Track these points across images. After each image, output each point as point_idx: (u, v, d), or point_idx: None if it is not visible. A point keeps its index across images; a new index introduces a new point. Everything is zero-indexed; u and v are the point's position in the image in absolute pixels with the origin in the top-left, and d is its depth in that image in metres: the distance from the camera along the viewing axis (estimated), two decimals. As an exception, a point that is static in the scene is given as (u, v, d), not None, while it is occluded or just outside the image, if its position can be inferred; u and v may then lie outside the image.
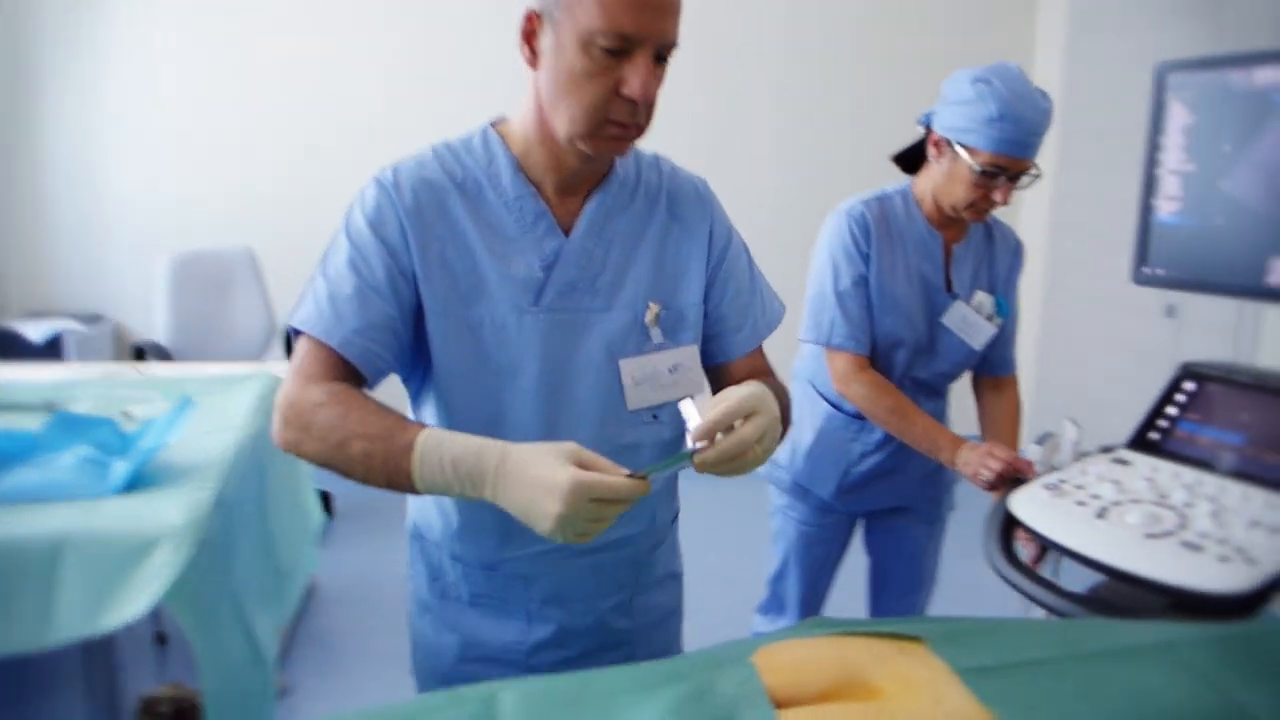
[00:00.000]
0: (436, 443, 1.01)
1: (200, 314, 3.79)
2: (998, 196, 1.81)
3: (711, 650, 0.85)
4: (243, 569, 1.39)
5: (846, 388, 1.98)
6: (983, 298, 2.02)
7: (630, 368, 1.26)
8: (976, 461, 1.77)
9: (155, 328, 3.84)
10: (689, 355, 1.30)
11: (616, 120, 1.11)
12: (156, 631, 2.82)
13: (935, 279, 1.99)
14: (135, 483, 1.56)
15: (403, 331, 1.18)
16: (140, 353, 3.71)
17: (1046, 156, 4.66)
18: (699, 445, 1.02)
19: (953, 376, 2.11)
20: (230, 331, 3.76)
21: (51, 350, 4.03)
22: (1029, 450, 1.67)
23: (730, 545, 3.79)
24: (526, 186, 1.22)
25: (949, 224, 1.99)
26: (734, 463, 1.04)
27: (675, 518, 1.43)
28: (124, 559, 1.32)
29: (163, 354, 3.67)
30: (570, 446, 0.97)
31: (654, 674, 0.79)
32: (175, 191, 4.45)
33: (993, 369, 2.15)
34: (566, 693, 0.79)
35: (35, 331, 4.06)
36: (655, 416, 1.29)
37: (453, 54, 4.49)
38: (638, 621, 1.35)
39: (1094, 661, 0.73)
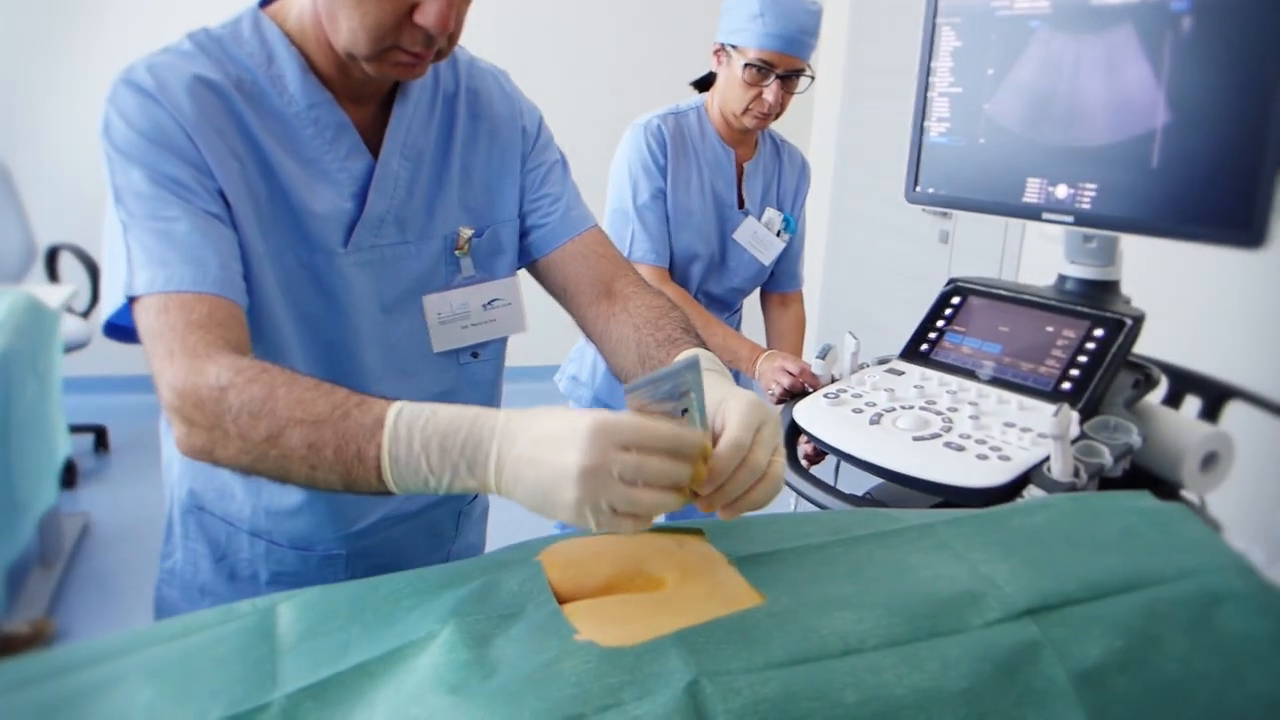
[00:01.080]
0: (416, 415, 0.76)
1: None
2: (769, 96, 1.89)
3: (497, 552, 0.85)
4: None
5: None
6: (772, 214, 2.10)
7: (436, 304, 1.10)
8: (770, 374, 1.84)
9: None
10: (508, 289, 1.16)
11: (407, 50, 0.93)
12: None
13: (728, 195, 2.05)
14: None
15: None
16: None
17: (834, 86, 4.82)
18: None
19: (745, 292, 2.18)
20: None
21: None
22: (813, 365, 1.75)
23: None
24: (322, 92, 0.99)
25: (739, 141, 2.06)
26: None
27: None
28: None
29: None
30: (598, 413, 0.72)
31: (439, 577, 0.78)
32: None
33: (780, 285, 2.24)
34: (347, 600, 0.77)
35: None
36: (475, 355, 1.16)
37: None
38: None
39: (859, 544, 0.78)
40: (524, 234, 1.19)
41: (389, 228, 1.06)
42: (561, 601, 0.72)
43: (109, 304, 0.94)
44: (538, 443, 0.72)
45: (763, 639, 0.65)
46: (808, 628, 0.66)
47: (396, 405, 0.77)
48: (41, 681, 0.73)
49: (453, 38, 0.96)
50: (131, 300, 0.90)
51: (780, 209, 2.13)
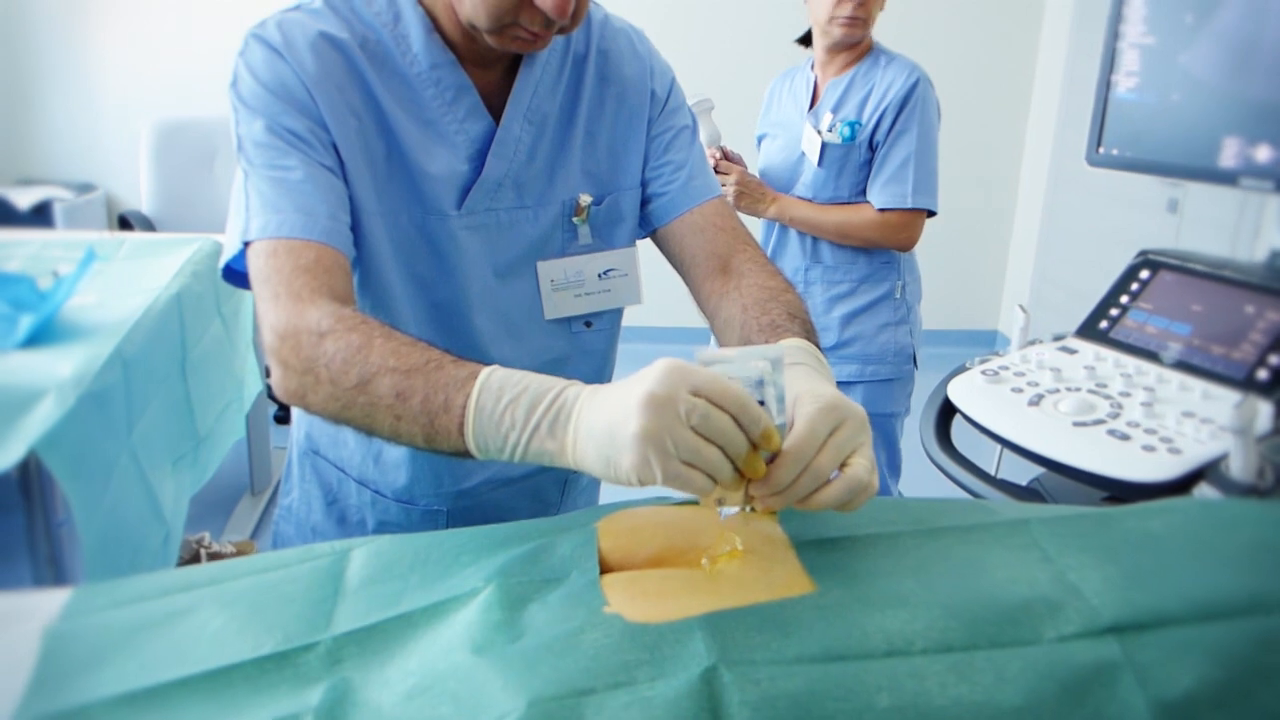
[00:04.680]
0: (509, 374, 0.75)
1: (185, 184, 3.74)
2: None
3: (567, 515, 0.84)
4: (148, 429, 1.38)
5: None
6: (828, 116, 2.16)
7: (550, 271, 1.08)
8: None
9: (141, 198, 3.81)
10: (625, 259, 1.12)
11: (527, 28, 0.91)
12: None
13: (800, 121, 2.23)
14: (39, 338, 1.53)
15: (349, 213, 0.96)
16: (125, 223, 3.68)
17: (1059, 45, 4.49)
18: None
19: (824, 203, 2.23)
20: (215, 203, 3.71)
21: (41, 218, 4.01)
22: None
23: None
24: (445, 53, 0.99)
25: (828, 61, 2.21)
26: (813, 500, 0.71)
27: None
28: (8, 409, 1.30)
29: (147, 224, 3.65)
30: None
31: (503, 535, 0.78)
32: (165, 56, 4.35)
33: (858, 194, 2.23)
34: (414, 551, 0.78)
35: (23, 199, 4.04)
36: (588, 324, 1.14)
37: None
38: None
39: (938, 536, 0.71)
40: (644, 202, 1.14)
41: (506, 192, 1.04)
42: (607, 570, 0.70)
43: (229, 249, 0.98)
44: (612, 392, 0.70)
45: (800, 630, 0.60)
46: (852, 623, 0.61)
47: (492, 365, 0.77)
48: (136, 602, 0.78)
49: (576, 15, 0.93)
50: (246, 245, 0.93)
51: (850, 114, 2.15)
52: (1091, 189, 4.02)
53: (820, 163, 2.17)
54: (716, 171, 2.17)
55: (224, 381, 1.85)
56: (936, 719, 0.54)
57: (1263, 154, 1.15)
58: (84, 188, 4.29)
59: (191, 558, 2.37)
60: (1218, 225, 3.11)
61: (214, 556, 2.47)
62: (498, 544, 0.76)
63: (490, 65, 1.02)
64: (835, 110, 2.16)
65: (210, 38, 4.30)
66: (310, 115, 0.94)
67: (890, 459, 2.34)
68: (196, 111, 3.93)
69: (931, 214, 2.17)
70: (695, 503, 0.80)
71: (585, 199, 1.08)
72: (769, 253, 2.29)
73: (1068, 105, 4.26)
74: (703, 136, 2.10)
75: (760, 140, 2.39)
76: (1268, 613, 0.61)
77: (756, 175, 2.32)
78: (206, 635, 0.72)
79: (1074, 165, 4.21)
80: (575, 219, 1.09)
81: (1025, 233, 4.78)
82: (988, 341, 5.00)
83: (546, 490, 1.21)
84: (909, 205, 2.12)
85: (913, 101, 2.09)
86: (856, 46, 2.16)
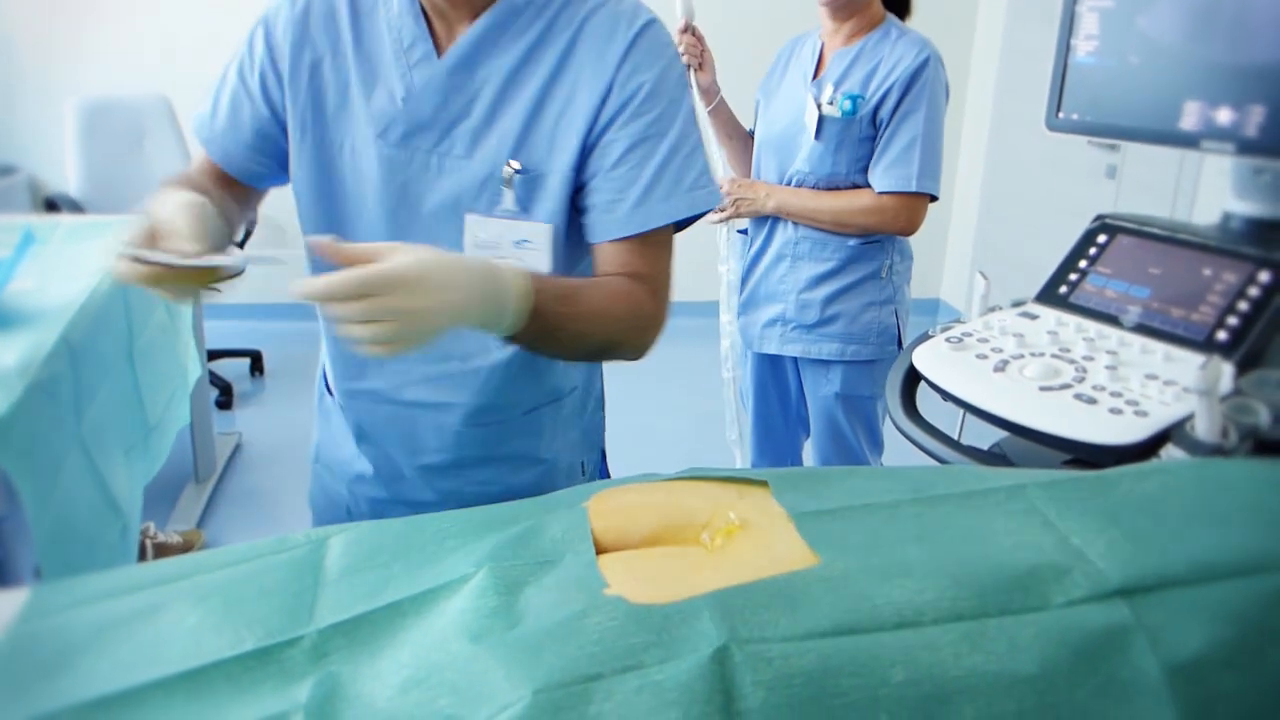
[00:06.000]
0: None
1: (113, 166, 3.61)
2: None
3: (553, 495, 0.82)
4: (99, 418, 1.33)
5: None
6: (829, 90, 2.07)
7: (475, 226, 1.10)
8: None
9: (68, 180, 3.67)
10: (540, 234, 1.10)
11: None
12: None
13: (804, 92, 2.12)
14: (-23, 325, 1.45)
15: (282, 139, 1.14)
16: (52, 205, 3.55)
17: (997, 11, 4.51)
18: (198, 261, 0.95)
19: (823, 180, 2.14)
20: (146, 185, 3.59)
21: (-43, 202, 3.85)
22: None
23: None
24: (414, 3, 1.08)
25: (835, 29, 2.11)
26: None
27: (553, 401, 1.24)
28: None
29: (75, 208, 3.52)
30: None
31: (488, 517, 0.76)
32: (88, 32, 4.19)
33: (858, 177, 2.13)
34: (394, 537, 0.75)
35: (-61, 182, 3.87)
36: None
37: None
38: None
39: (937, 504, 0.70)
40: (584, 209, 1.11)
41: (428, 134, 1.09)
42: (602, 551, 0.68)
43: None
44: None
45: (809, 605, 0.59)
46: (861, 595, 0.59)
47: None
48: (101, 600, 0.74)
49: None
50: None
51: (853, 88, 2.04)
52: (1030, 155, 4.08)
53: (817, 136, 2.08)
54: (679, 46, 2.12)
55: (170, 367, 1.79)
56: (952, 690, 0.54)
57: (1223, 116, 1.15)
58: (5, 170, 4.12)
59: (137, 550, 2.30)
60: (1156, 190, 3.16)
61: (160, 548, 2.40)
62: (482, 527, 0.74)
63: (465, 15, 1.07)
64: (839, 83, 2.06)
65: (136, 13, 4.15)
66: (275, 46, 1.12)
67: (871, 438, 2.32)
68: (123, 90, 3.79)
69: (934, 199, 2.09)
70: (685, 477, 0.78)
71: (513, 165, 1.08)
72: (765, 232, 2.23)
73: (1006, 73, 4.31)
74: (679, 9, 2.07)
75: (758, 103, 2.31)
76: (1268, 571, 0.61)
77: (752, 134, 2.30)
78: (181, 633, 0.69)
79: (1013, 133, 4.27)
80: (504, 187, 1.09)
81: (966, 200, 4.83)
82: (930, 309, 5.06)
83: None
84: (913, 189, 2.04)
85: (922, 80, 2.01)
86: (860, 13, 2.07)
